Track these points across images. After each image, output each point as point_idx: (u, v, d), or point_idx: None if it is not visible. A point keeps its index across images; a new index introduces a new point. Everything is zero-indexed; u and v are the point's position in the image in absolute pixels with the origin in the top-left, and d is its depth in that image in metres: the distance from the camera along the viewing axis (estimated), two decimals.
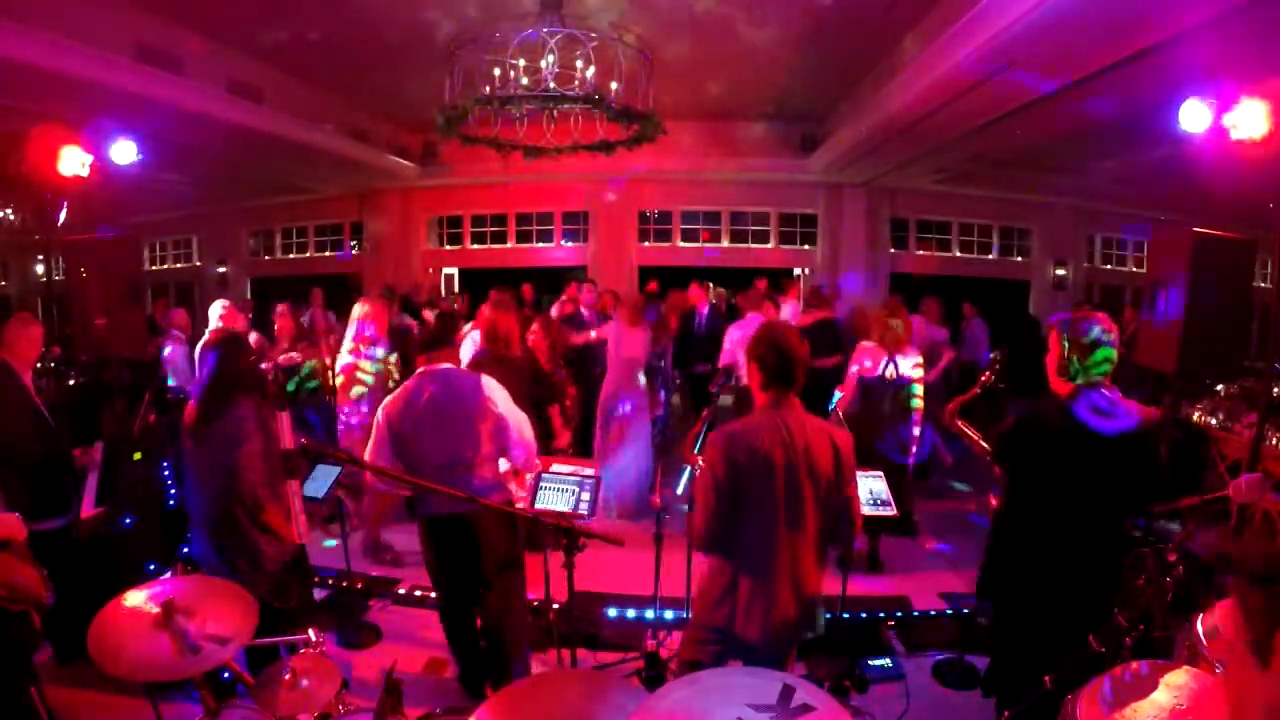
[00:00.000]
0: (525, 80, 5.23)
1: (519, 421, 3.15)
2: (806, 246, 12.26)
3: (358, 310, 4.86)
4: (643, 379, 5.52)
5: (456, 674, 3.36)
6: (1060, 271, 12.67)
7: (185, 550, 3.80)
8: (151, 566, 3.63)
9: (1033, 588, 2.44)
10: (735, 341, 5.86)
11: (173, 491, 3.93)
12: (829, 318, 6.35)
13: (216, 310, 5.17)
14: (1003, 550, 2.65)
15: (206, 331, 4.97)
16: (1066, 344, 2.43)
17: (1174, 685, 1.50)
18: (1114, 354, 2.40)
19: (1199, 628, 1.73)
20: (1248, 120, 3.17)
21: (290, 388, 5.72)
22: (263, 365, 4.63)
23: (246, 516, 2.78)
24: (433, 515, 3.04)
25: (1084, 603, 2.26)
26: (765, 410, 2.37)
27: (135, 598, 1.95)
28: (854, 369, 4.71)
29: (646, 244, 12.36)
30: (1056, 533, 2.39)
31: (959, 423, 3.21)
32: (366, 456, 2.98)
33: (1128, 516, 2.40)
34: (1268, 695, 0.99)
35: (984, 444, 3.07)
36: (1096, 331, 2.39)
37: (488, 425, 3.04)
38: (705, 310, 7.75)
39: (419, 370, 3.09)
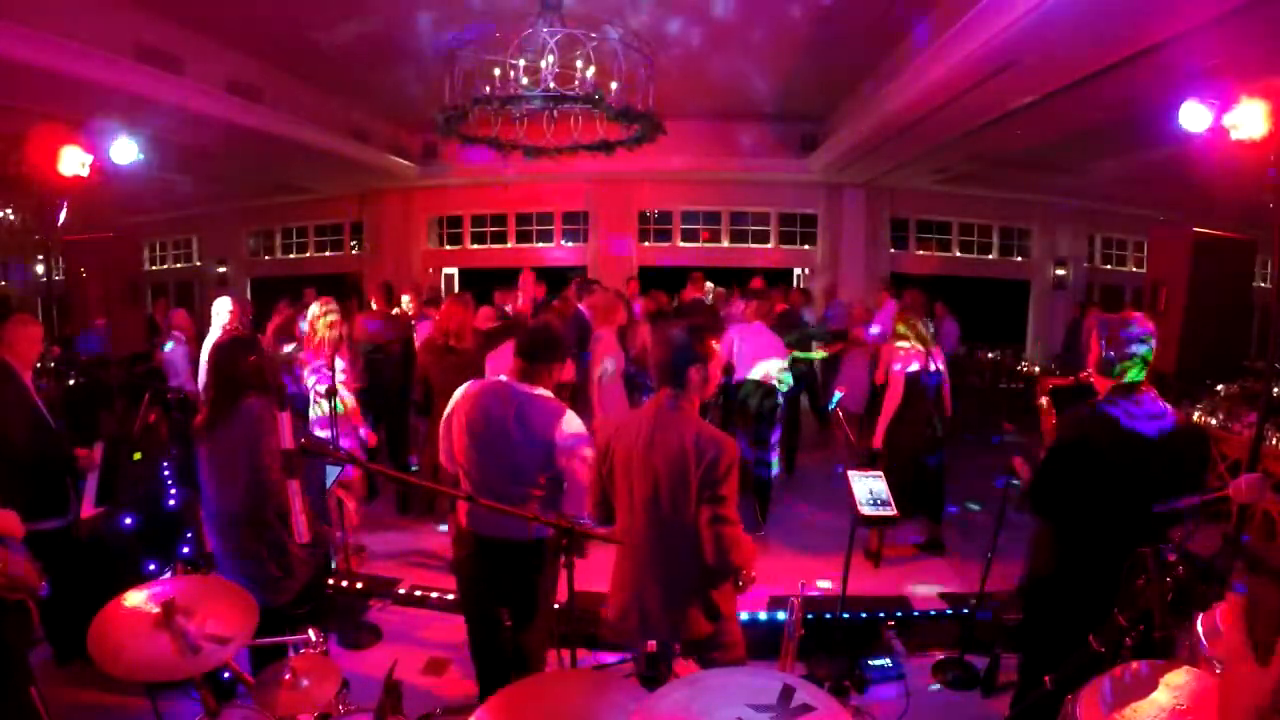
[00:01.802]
0: (525, 80, 5.23)
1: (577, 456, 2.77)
2: (806, 246, 12.27)
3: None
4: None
5: (463, 676, 3.35)
6: (1060, 271, 12.67)
7: (185, 550, 3.80)
8: (151, 566, 3.62)
9: (1082, 594, 2.43)
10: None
11: (173, 491, 3.92)
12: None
13: (224, 306, 5.15)
14: (1049, 565, 2.65)
15: (215, 329, 4.97)
16: (1105, 342, 2.50)
17: (1174, 685, 1.50)
18: (1149, 351, 2.47)
19: (1199, 628, 1.73)
20: (1248, 120, 3.17)
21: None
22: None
23: (275, 516, 2.68)
24: (482, 535, 2.71)
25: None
26: (645, 403, 2.44)
27: (135, 598, 1.95)
28: (897, 368, 4.70)
29: (646, 244, 12.36)
30: (1109, 539, 2.40)
31: (1045, 399, 3.26)
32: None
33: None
34: (1258, 692, 1.02)
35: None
36: (1133, 329, 2.47)
37: (551, 473, 2.67)
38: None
39: (500, 378, 2.74)
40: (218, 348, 2.91)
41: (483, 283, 11.15)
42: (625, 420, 2.47)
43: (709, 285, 9.53)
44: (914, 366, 4.67)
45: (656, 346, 2.37)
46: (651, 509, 2.29)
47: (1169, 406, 2.44)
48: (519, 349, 2.72)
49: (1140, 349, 2.44)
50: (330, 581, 4.39)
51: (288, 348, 5.31)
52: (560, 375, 2.82)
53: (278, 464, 2.58)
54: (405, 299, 7.06)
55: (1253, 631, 1.08)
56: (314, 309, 4.58)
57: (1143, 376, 2.46)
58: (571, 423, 2.65)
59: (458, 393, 2.76)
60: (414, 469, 5.95)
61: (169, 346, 6.46)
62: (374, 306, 6.83)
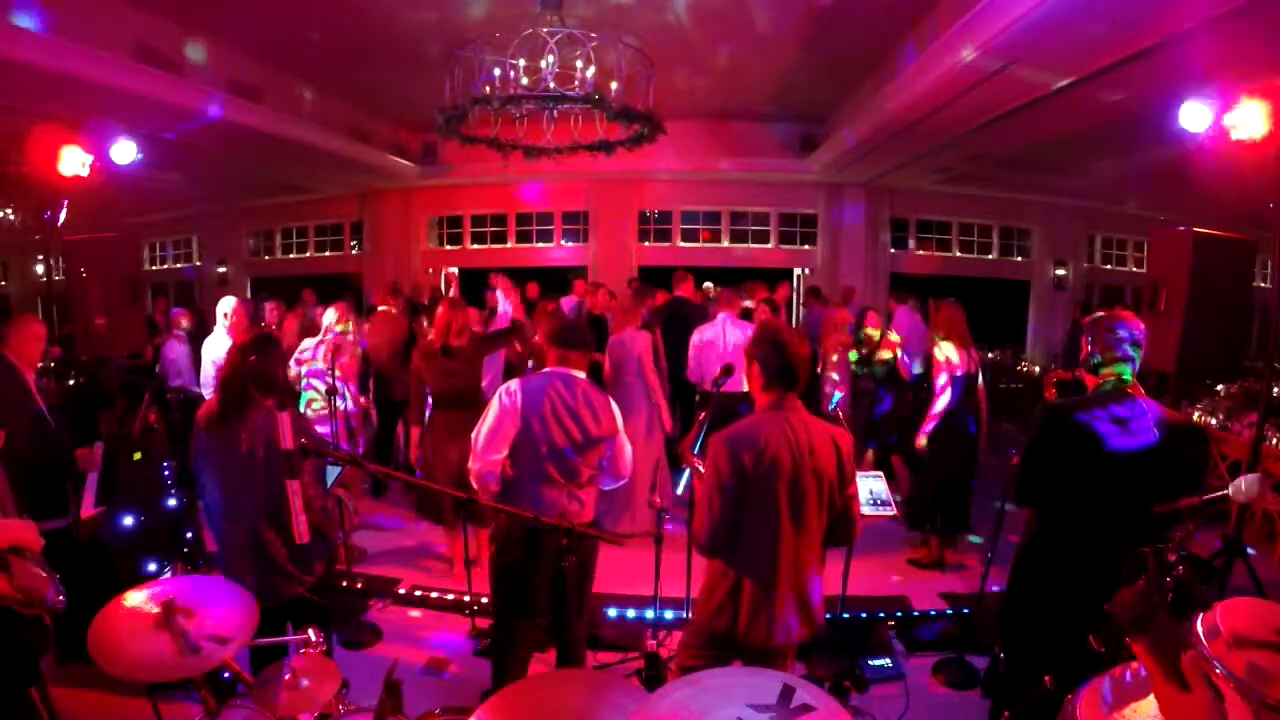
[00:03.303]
0: (525, 80, 5.23)
1: (626, 444, 3.05)
2: (806, 246, 12.27)
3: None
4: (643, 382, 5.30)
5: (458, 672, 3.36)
6: (1060, 271, 12.67)
7: (185, 550, 3.80)
8: (151, 566, 3.62)
9: (1068, 602, 2.44)
10: (697, 346, 5.64)
11: (173, 491, 3.93)
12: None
13: (227, 306, 5.15)
14: (1034, 568, 2.66)
15: (218, 329, 4.96)
16: (1091, 341, 2.53)
17: None
18: (1137, 350, 2.48)
19: (1199, 628, 1.72)
20: (1248, 120, 3.17)
21: None
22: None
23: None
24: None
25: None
26: (767, 411, 2.36)
27: (135, 598, 1.95)
28: (942, 378, 4.67)
29: (646, 244, 12.36)
30: (1093, 546, 2.41)
31: (1051, 391, 3.29)
32: (480, 442, 2.82)
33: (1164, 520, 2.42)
34: (1200, 711, 1.04)
35: None
36: (1118, 327, 2.49)
37: (603, 450, 2.96)
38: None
39: (551, 369, 2.94)
40: (240, 345, 2.89)
41: (483, 283, 11.12)
42: (750, 432, 2.32)
43: (708, 285, 9.54)
44: (963, 366, 4.72)
45: (767, 347, 2.34)
46: (806, 512, 2.30)
47: (1160, 413, 2.43)
48: (554, 338, 2.97)
49: (1126, 348, 2.46)
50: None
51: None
52: (585, 364, 3.03)
53: (301, 464, 2.60)
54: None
55: (1160, 669, 1.13)
56: (330, 315, 4.95)
57: (1130, 378, 2.46)
58: (614, 401, 3.01)
59: (517, 392, 2.83)
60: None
61: (168, 352, 6.46)
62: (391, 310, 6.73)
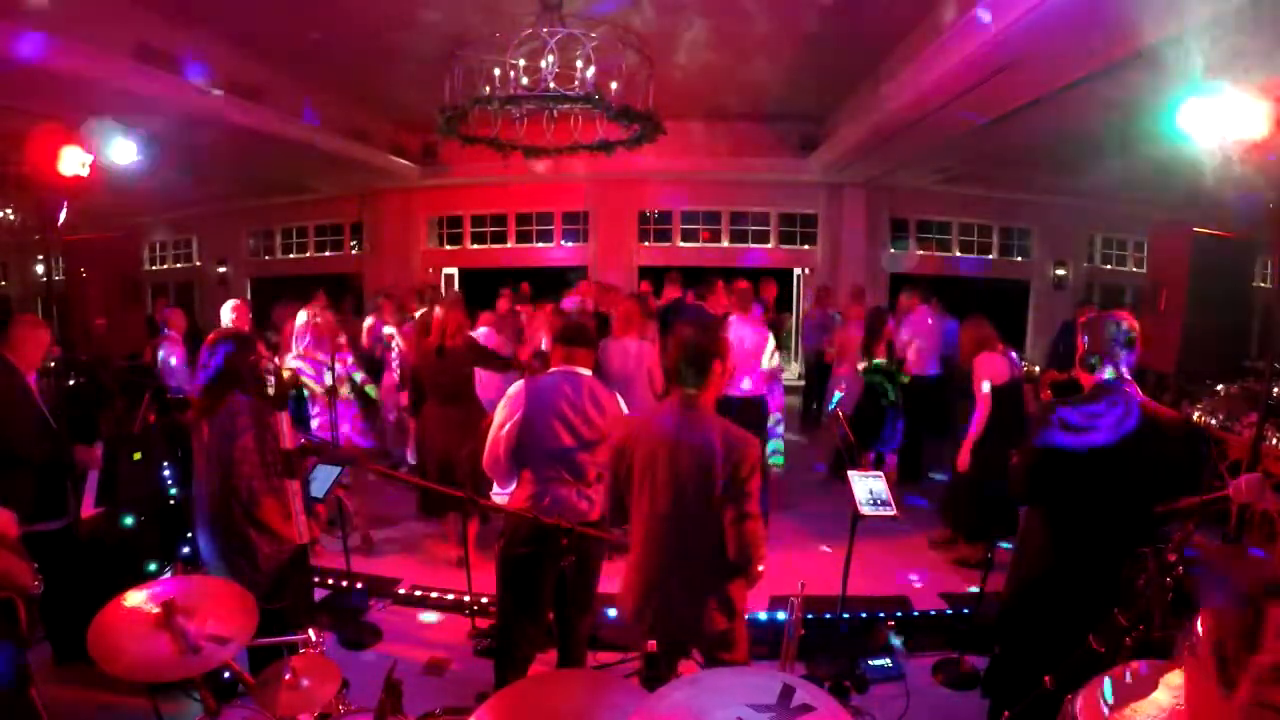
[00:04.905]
0: (525, 80, 5.23)
1: None
2: (806, 246, 12.27)
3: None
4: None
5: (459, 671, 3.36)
6: (1060, 271, 12.67)
7: (185, 550, 3.81)
8: (151, 566, 3.62)
9: (1062, 599, 2.45)
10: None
11: (173, 491, 3.93)
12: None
13: (229, 312, 5.19)
14: (1032, 566, 2.67)
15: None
16: (1088, 340, 2.54)
17: (1174, 685, 1.50)
18: (1129, 349, 2.48)
19: (1199, 628, 1.72)
20: (1248, 120, 3.17)
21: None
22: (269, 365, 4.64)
23: (241, 512, 2.78)
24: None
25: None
26: (662, 403, 2.45)
27: (135, 598, 1.95)
28: (985, 386, 4.47)
29: (646, 244, 12.36)
30: (1090, 544, 2.41)
31: (1047, 392, 3.28)
32: (489, 440, 2.92)
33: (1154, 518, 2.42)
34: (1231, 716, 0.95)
35: None
36: (1112, 325, 2.50)
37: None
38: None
39: (558, 369, 2.98)
40: (220, 340, 2.95)
41: (483, 283, 11.13)
42: (644, 418, 2.48)
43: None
44: (1007, 373, 4.52)
45: (673, 346, 2.38)
46: (676, 507, 2.30)
47: (1155, 411, 2.43)
48: (559, 337, 3.05)
49: (1119, 348, 2.46)
50: (330, 581, 4.42)
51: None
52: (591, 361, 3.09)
53: (248, 461, 2.72)
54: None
55: (1219, 656, 1.01)
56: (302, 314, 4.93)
57: (1126, 375, 2.47)
58: (619, 396, 3.05)
59: (519, 397, 2.91)
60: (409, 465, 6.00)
61: (163, 352, 6.44)
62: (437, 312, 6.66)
